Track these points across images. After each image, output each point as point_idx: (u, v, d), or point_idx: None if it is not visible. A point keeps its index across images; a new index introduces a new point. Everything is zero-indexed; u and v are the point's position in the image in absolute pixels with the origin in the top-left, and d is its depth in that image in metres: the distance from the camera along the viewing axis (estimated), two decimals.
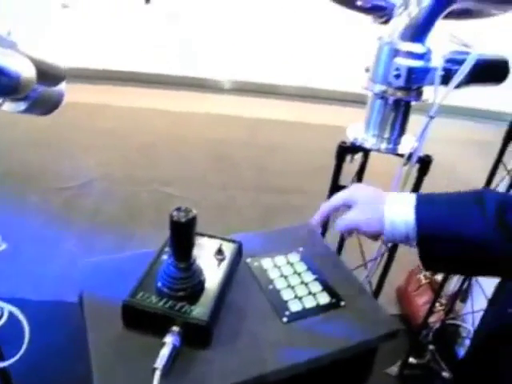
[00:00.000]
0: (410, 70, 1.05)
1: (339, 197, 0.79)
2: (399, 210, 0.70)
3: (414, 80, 1.07)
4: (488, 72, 1.17)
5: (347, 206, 0.78)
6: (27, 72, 0.70)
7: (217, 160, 3.44)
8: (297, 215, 2.66)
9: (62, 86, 0.92)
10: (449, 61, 1.08)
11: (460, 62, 1.08)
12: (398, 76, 1.06)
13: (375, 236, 0.75)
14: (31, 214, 2.59)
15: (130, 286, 0.69)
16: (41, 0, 4.37)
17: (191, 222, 0.62)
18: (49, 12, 4.55)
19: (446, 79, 1.09)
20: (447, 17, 1.15)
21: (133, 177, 3.08)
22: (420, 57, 1.06)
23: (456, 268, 0.73)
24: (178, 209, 0.63)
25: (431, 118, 1.10)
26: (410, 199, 0.70)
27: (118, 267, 0.79)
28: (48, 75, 0.82)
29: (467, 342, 1.88)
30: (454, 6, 1.09)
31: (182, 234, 0.64)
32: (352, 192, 0.79)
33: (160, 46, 4.69)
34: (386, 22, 1.24)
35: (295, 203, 2.85)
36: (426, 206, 0.69)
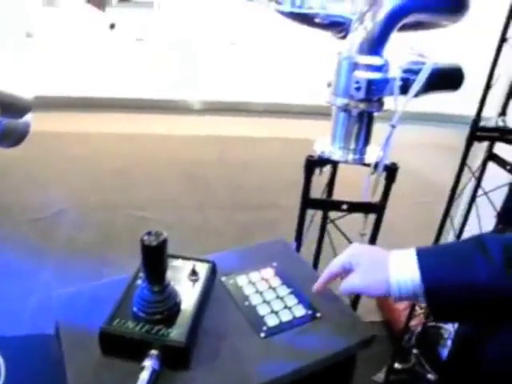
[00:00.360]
0: (370, 82, 1.08)
1: (339, 261, 0.78)
2: (404, 270, 0.69)
3: (374, 91, 1.10)
4: (444, 80, 1.22)
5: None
6: None
7: (190, 180, 3.44)
8: (273, 230, 2.68)
9: (28, 117, 0.91)
10: (406, 71, 1.12)
11: (417, 72, 1.12)
12: (358, 89, 1.09)
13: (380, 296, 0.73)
14: (4, 248, 2.54)
15: (106, 313, 0.69)
16: (3, 28, 4.33)
17: (162, 245, 0.63)
18: (12, 40, 4.51)
19: (404, 88, 1.13)
20: (401, 29, 1.20)
21: (107, 203, 3.05)
22: (378, 69, 1.09)
23: (469, 316, 0.70)
24: (149, 233, 0.63)
25: (393, 126, 1.14)
26: (412, 256, 0.69)
27: (93, 295, 0.79)
28: (12, 108, 0.81)
29: (449, 343, 1.91)
30: (407, 19, 1.14)
31: (154, 258, 0.64)
32: (351, 254, 0.77)
33: (126, 71, 4.69)
34: (345, 37, 1.28)
35: (270, 218, 2.86)
36: (429, 260, 0.68)
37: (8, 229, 2.67)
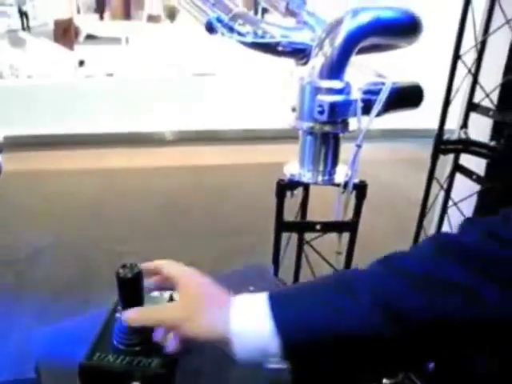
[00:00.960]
0: (332, 105, 1.12)
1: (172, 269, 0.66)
2: (250, 319, 0.56)
3: (337, 114, 1.14)
4: (405, 98, 1.28)
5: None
6: None
7: (166, 211, 3.45)
8: (250, 255, 2.69)
9: None
10: (366, 92, 1.17)
11: (377, 92, 1.17)
12: (321, 112, 1.13)
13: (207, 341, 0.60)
14: None
15: (86, 349, 0.69)
16: None
17: (137, 276, 0.64)
18: None
19: (367, 109, 1.18)
20: (360, 52, 1.26)
21: (83, 239, 3.03)
22: (339, 92, 1.13)
23: (345, 370, 0.57)
24: (124, 265, 0.64)
25: (359, 146, 1.18)
26: (263, 303, 0.56)
27: (72, 332, 0.79)
28: None
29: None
30: (364, 43, 1.19)
31: (130, 290, 0.65)
32: (184, 277, 0.65)
33: (97, 105, 4.72)
34: (306, 63, 1.33)
35: (248, 243, 2.88)
36: (285, 308, 0.56)
37: None
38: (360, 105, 1.15)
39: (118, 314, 0.75)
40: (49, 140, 4.52)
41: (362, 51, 1.29)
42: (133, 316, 0.63)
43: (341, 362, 0.55)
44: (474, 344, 0.54)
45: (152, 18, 11.53)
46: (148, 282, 0.69)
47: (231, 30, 1.33)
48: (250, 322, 0.56)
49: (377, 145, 4.97)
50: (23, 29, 11.29)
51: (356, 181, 1.29)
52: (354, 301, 0.52)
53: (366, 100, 1.18)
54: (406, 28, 1.23)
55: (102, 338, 0.70)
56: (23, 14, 12.33)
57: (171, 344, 0.62)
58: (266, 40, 1.32)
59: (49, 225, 3.20)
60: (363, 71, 1.23)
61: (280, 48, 1.34)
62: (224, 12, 1.35)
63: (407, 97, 1.28)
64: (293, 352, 0.54)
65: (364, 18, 1.14)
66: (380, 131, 4.96)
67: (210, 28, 1.34)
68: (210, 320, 0.59)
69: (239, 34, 1.32)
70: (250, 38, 1.32)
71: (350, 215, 1.32)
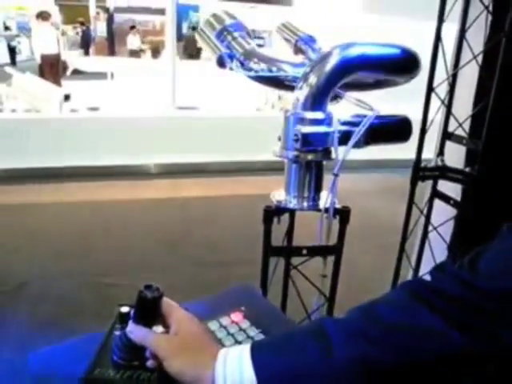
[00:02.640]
0: (305, 135, 1.19)
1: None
2: (231, 371, 0.60)
3: (312, 143, 1.20)
4: (393, 132, 1.34)
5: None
6: None
7: (152, 243, 3.46)
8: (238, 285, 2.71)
9: None
10: (346, 123, 1.24)
11: (357, 124, 1.24)
12: (297, 140, 1.20)
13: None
14: None
15: (84, 366, 0.72)
16: None
17: (158, 299, 0.68)
18: None
19: (347, 140, 1.24)
20: (359, 88, 1.33)
21: (68, 272, 3.01)
22: (319, 122, 1.20)
23: None
24: (147, 286, 0.69)
25: (336, 175, 1.24)
26: (246, 351, 0.61)
27: (68, 352, 0.82)
28: None
29: None
30: (352, 78, 1.26)
31: (149, 310, 0.69)
32: (181, 318, 0.70)
33: (82, 139, 4.75)
34: None
35: (236, 274, 2.90)
36: (264, 356, 0.60)
37: None
38: (337, 135, 1.22)
39: (116, 332, 0.78)
40: (33, 173, 4.52)
41: (360, 87, 1.36)
42: (134, 333, 0.68)
43: None
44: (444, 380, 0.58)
45: (133, 53, 11.70)
46: None
47: (242, 65, 1.41)
48: (233, 370, 0.60)
49: (362, 175, 5.08)
50: (13, 63, 11.40)
51: (339, 206, 1.34)
52: (324, 350, 0.56)
53: (347, 131, 1.24)
54: (398, 64, 1.28)
55: (101, 354, 0.73)
56: (12, 50, 12.47)
57: (150, 362, 0.68)
58: (276, 74, 1.39)
59: (34, 258, 3.18)
60: (359, 105, 1.29)
61: (287, 82, 1.42)
62: (238, 49, 1.43)
63: (395, 131, 1.34)
64: None
65: (349, 54, 1.20)
66: (365, 162, 5.08)
67: (221, 62, 1.42)
68: (195, 362, 0.63)
69: (250, 69, 1.40)
70: (262, 73, 1.40)
71: (334, 240, 1.37)
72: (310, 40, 1.54)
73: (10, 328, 2.44)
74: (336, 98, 1.36)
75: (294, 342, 0.60)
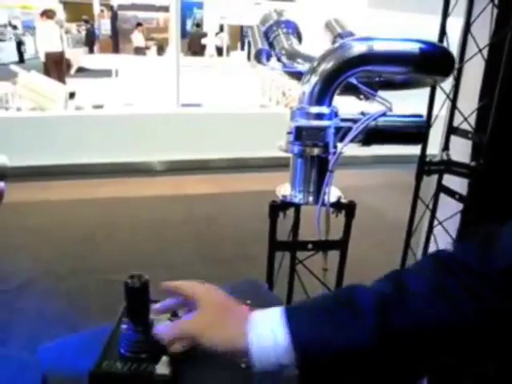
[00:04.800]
0: (299, 128, 1.19)
1: (188, 287, 0.72)
2: (266, 332, 0.60)
3: (306, 137, 1.20)
4: (406, 133, 1.33)
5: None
6: None
7: (157, 240, 3.47)
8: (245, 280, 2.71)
9: (1, 184, 0.93)
10: (346, 120, 1.24)
11: (356, 122, 1.24)
12: (290, 133, 1.20)
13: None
14: None
15: (94, 359, 0.73)
16: None
17: (145, 285, 0.68)
18: None
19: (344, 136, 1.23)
20: (387, 87, 1.33)
21: (75, 270, 3.03)
22: (321, 117, 1.19)
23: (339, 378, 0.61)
24: (132, 276, 0.69)
25: (331, 171, 1.23)
26: (278, 317, 0.61)
27: (78, 345, 0.82)
28: None
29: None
30: (354, 74, 1.25)
31: (138, 298, 0.69)
32: (200, 291, 0.70)
33: (87, 136, 4.76)
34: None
35: (240, 271, 2.90)
36: (299, 322, 0.60)
37: None
38: (332, 131, 1.21)
39: (123, 325, 0.79)
40: (36, 171, 4.54)
41: (386, 86, 1.36)
42: (163, 332, 0.68)
43: (342, 372, 0.59)
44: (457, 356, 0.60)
45: (138, 51, 11.71)
46: (165, 302, 0.76)
47: (279, 61, 1.41)
48: (266, 336, 0.60)
49: (368, 171, 5.08)
50: (21, 62, 11.48)
51: (344, 201, 1.35)
52: (359, 321, 0.57)
53: (350, 128, 1.24)
54: (416, 60, 1.22)
55: (109, 348, 0.74)
56: (19, 48, 12.58)
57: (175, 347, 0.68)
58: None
59: (40, 256, 3.20)
60: (381, 103, 1.27)
61: None
62: (278, 47, 1.45)
63: (410, 133, 1.33)
64: (305, 363, 0.58)
65: (356, 49, 1.19)
66: (371, 157, 5.07)
67: (258, 57, 1.43)
68: (228, 332, 0.63)
69: (285, 66, 1.41)
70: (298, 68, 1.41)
71: (340, 234, 1.37)
72: (349, 36, 1.53)
73: (18, 326, 2.45)
74: (361, 94, 1.35)
75: (327, 311, 0.60)
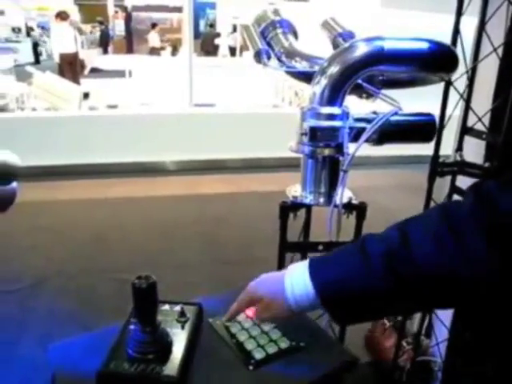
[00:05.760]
0: (313, 129, 1.18)
1: (243, 300, 0.84)
2: (297, 281, 0.74)
3: (321, 137, 1.19)
4: (416, 131, 1.32)
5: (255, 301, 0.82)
6: None
7: (168, 240, 3.48)
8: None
9: (14, 184, 0.94)
10: (361, 120, 1.23)
11: (371, 121, 1.22)
12: (305, 134, 1.19)
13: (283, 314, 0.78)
14: None
15: (102, 359, 0.73)
16: None
17: (152, 286, 0.68)
18: None
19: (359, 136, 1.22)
20: (394, 86, 1.31)
21: (86, 269, 3.04)
22: (333, 117, 1.18)
23: (363, 317, 0.75)
24: (139, 277, 0.69)
25: (344, 171, 1.22)
26: (304, 267, 0.74)
27: (87, 344, 0.83)
28: (1, 174, 0.85)
29: (440, 375, 1.93)
30: (372, 73, 1.24)
31: (145, 299, 0.69)
32: (253, 290, 0.82)
33: (100, 136, 4.79)
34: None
35: (250, 272, 2.89)
36: (318, 268, 0.73)
37: None
38: (347, 131, 1.20)
39: (131, 326, 0.79)
40: (50, 170, 4.58)
41: (393, 85, 1.34)
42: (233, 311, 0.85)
43: (359, 309, 0.71)
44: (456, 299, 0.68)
45: (154, 51, 11.77)
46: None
47: (279, 61, 1.41)
48: (297, 282, 0.74)
49: (381, 171, 5.04)
50: (37, 62, 11.63)
51: (356, 202, 1.33)
52: (368, 265, 0.67)
53: (364, 129, 1.23)
54: (425, 60, 1.24)
55: (117, 348, 0.74)
56: (35, 49, 12.75)
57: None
58: (307, 69, 1.39)
59: (52, 255, 3.22)
60: (389, 102, 1.26)
61: None
62: (278, 45, 1.44)
63: (418, 131, 1.32)
64: (326, 300, 0.71)
65: (366, 49, 1.18)
66: (384, 158, 5.02)
67: (258, 58, 1.43)
68: (273, 287, 0.78)
69: (288, 66, 1.40)
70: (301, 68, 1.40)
71: (351, 235, 1.36)
72: (349, 36, 1.52)
73: (30, 325, 2.47)
74: (370, 95, 1.34)
75: (342, 258, 0.73)
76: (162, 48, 12.27)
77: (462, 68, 1.46)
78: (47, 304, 2.65)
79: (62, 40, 7.47)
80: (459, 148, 1.75)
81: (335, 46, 1.54)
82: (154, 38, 12.18)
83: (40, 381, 1.83)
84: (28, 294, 2.75)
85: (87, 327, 2.35)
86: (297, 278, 0.74)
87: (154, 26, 12.53)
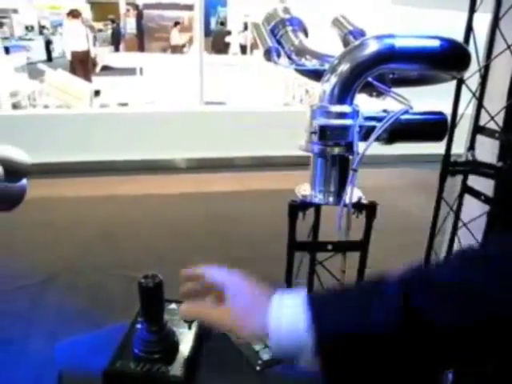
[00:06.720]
0: (323, 127, 1.16)
1: (215, 275, 0.70)
2: (287, 314, 0.59)
3: (331, 136, 1.18)
4: (427, 130, 1.30)
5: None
6: None
7: (177, 237, 3.48)
8: (264, 282, 2.70)
9: (24, 181, 0.94)
10: (371, 118, 1.21)
11: (381, 120, 1.21)
12: (315, 133, 1.17)
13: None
14: None
15: (108, 358, 0.73)
16: None
17: (159, 285, 0.68)
18: None
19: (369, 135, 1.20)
20: (405, 84, 1.30)
21: (96, 266, 3.06)
22: (343, 116, 1.17)
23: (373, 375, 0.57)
24: (146, 276, 0.69)
25: (355, 170, 1.20)
26: (299, 299, 0.59)
27: (94, 343, 0.82)
28: (11, 171, 0.84)
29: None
30: (375, 72, 1.22)
31: (152, 298, 0.69)
32: (229, 280, 0.68)
33: (110, 134, 4.81)
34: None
35: (260, 270, 2.88)
36: (320, 304, 0.59)
37: None
38: (357, 129, 1.18)
39: (138, 325, 0.79)
40: (61, 167, 4.61)
41: (404, 83, 1.33)
42: (185, 310, 0.66)
43: (364, 361, 0.55)
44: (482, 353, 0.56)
45: (175, 49, 11.80)
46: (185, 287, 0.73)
47: (289, 59, 1.40)
48: (286, 319, 0.58)
49: (392, 170, 5.00)
50: (50, 60, 11.72)
51: (365, 202, 1.32)
52: (383, 304, 0.55)
53: (373, 127, 1.21)
54: (437, 57, 1.21)
55: (123, 347, 0.74)
56: (48, 47, 12.86)
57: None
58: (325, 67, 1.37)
59: (62, 252, 3.24)
60: (399, 101, 1.25)
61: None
62: (289, 43, 1.43)
63: (429, 130, 1.30)
64: (324, 347, 0.55)
65: (377, 46, 1.16)
66: (395, 156, 4.98)
67: (268, 56, 1.42)
68: (252, 326, 0.62)
69: (297, 64, 1.39)
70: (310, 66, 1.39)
71: (361, 235, 1.35)
72: (360, 34, 1.50)
73: (41, 321, 2.49)
74: (381, 93, 1.33)
75: (349, 295, 0.60)
76: (183, 46, 12.27)
77: (474, 66, 1.44)
78: (57, 300, 2.67)
79: (74, 38, 7.51)
80: (471, 147, 1.73)
81: (346, 43, 1.53)
82: (175, 36, 12.20)
83: (49, 377, 1.84)
84: (38, 290, 2.77)
85: (96, 323, 2.36)
86: (285, 316, 0.59)
87: (176, 24, 12.54)
